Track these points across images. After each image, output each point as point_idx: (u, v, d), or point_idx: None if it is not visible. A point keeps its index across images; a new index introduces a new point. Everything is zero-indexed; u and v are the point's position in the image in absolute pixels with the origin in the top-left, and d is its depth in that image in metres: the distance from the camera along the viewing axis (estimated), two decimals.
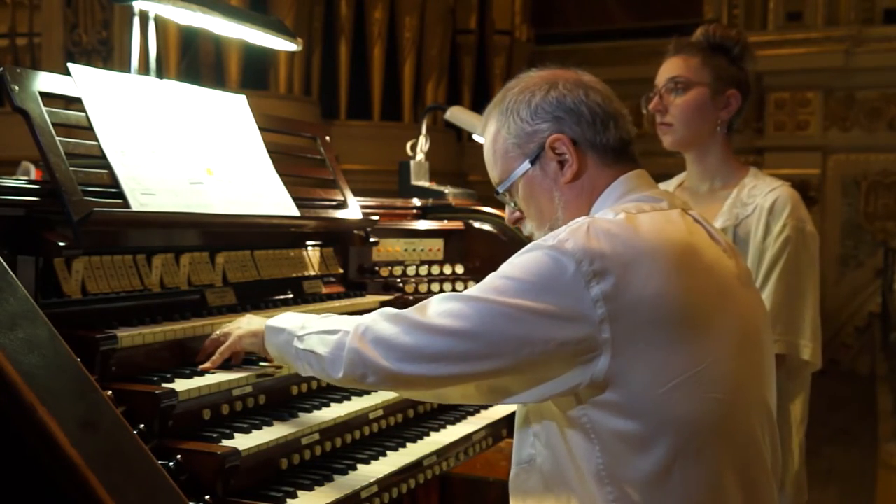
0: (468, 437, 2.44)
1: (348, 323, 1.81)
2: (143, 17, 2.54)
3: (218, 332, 2.13)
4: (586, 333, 1.58)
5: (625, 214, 1.68)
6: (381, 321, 1.74)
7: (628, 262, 1.59)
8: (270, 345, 2.00)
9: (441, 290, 3.14)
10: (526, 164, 1.82)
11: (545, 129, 1.80)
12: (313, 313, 2.47)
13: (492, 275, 1.69)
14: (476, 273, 3.29)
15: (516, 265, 1.67)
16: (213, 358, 2.07)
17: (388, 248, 3.14)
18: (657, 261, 1.60)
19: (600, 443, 1.62)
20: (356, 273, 2.97)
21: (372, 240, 2.89)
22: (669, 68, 2.67)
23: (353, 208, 2.85)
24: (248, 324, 2.10)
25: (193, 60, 8.52)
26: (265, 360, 2.15)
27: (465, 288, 3.18)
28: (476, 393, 1.74)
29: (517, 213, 1.91)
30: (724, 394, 1.64)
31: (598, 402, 1.61)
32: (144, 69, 2.55)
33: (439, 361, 1.65)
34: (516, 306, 1.61)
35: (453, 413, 2.57)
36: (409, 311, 1.73)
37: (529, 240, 1.79)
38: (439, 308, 1.69)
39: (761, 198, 2.60)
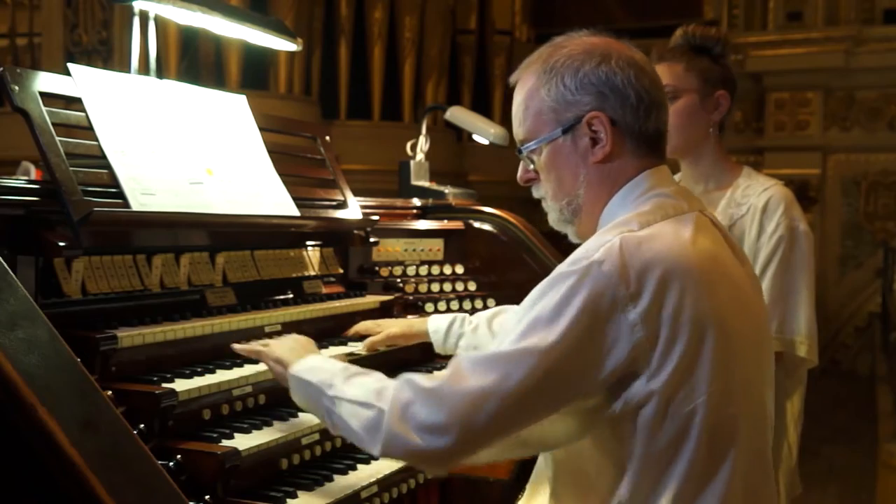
0: None
1: (380, 392, 1.67)
2: (143, 17, 2.54)
3: (263, 344, 2.08)
4: (626, 360, 1.55)
5: (650, 228, 1.63)
6: (420, 399, 1.60)
7: (661, 280, 1.56)
8: (294, 394, 1.87)
9: (441, 290, 3.14)
10: (557, 132, 1.74)
11: (587, 102, 1.71)
12: (315, 312, 2.48)
13: (527, 317, 1.60)
14: (476, 273, 3.29)
15: (551, 302, 1.58)
16: (247, 347, 2.08)
17: (388, 248, 3.14)
18: (688, 275, 1.58)
19: (630, 466, 1.59)
20: (356, 273, 2.97)
21: (372, 240, 2.89)
22: None
23: (353, 208, 2.85)
24: (288, 346, 2.01)
25: (193, 60, 8.51)
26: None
27: (465, 288, 3.21)
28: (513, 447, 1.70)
29: (531, 174, 1.83)
30: (740, 406, 1.63)
31: (628, 424, 1.59)
32: (144, 69, 2.55)
33: (487, 429, 1.56)
34: (557, 351, 1.54)
35: None
36: (446, 382, 1.60)
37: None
38: (475, 372, 1.58)
39: (755, 198, 2.61)
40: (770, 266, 2.54)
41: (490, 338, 2.46)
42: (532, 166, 1.82)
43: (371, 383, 1.71)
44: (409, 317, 2.90)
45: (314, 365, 1.86)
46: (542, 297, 1.60)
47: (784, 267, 2.54)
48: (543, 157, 1.78)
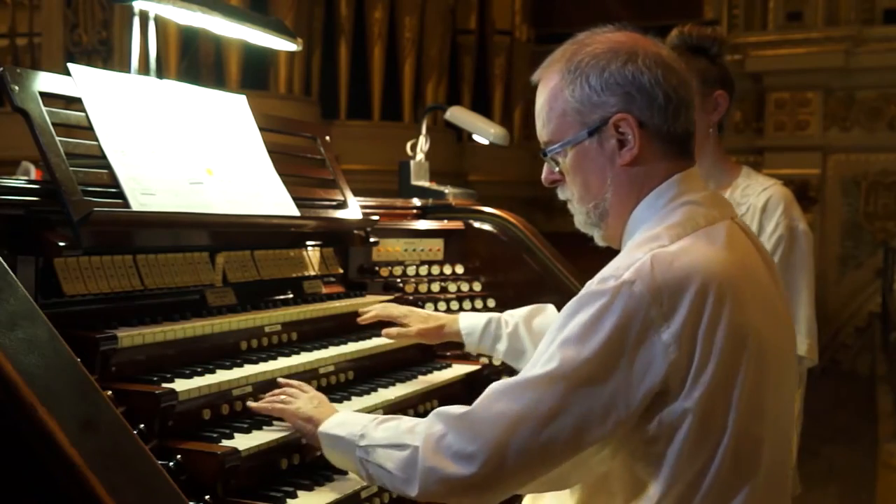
0: None
1: (411, 429, 1.66)
2: (143, 17, 2.54)
3: (284, 394, 2.01)
4: (661, 381, 1.51)
5: (681, 242, 1.59)
6: (452, 428, 1.59)
7: (695, 297, 1.51)
8: (328, 451, 1.86)
9: (441, 290, 3.14)
10: (583, 135, 1.68)
11: (613, 104, 1.65)
12: (315, 312, 2.47)
13: (557, 339, 1.56)
14: (476, 273, 3.29)
15: (580, 324, 1.54)
16: (264, 404, 2.00)
17: (388, 248, 3.14)
18: (723, 290, 1.53)
19: (653, 488, 1.56)
20: (356, 273, 2.97)
21: (372, 240, 2.89)
22: None
23: (353, 208, 2.85)
24: (309, 402, 1.97)
25: (193, 60, 8.51)
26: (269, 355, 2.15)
27: (465, 288, 3.20)
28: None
29: (556, 176, 1.78)
30: (766, 427, 1.59)
31: (661, 446, 1.55)
32: (144, 69, 2.55)
33: (522, 455, 1.54)
34: (588, 375, 1.51)
35: None
36: (477, 408, 1.59)
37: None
38: (507, 398, 1.56)
39: (754, 197, 2.62)
40: None
41: (530, 340, 2.42)
42: (557, 168, 1.76)
43: (402, 424, 1.70)
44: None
45: (343, 420, 1.85)
46: (572, 318, 1.56)
47: (784, 266, 2.55)
48: (569, 159, 1.73)
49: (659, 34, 1.73)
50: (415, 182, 3.72)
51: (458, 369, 2.74)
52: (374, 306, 2.63)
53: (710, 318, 1.52)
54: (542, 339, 1.64)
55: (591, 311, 1.54)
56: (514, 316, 2.50)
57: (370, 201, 3.08)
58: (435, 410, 1.66)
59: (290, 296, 2.57)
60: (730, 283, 1.55)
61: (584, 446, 1.57)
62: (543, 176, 1.81)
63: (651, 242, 1.60)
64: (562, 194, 1.81)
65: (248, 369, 2.09)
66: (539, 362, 1.57)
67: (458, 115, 4.04)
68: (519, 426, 1.53)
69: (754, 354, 1.56)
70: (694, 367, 1.51)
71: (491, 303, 3.17)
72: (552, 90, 1.72)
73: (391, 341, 2.60)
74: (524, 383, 1.56)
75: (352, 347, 2.46)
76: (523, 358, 2.43)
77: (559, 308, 1.66)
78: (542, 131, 1.76)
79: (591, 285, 1.58)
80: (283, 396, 2.02)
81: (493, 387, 1.61)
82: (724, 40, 2.68)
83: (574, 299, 1.59)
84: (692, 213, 1.65)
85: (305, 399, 1.99)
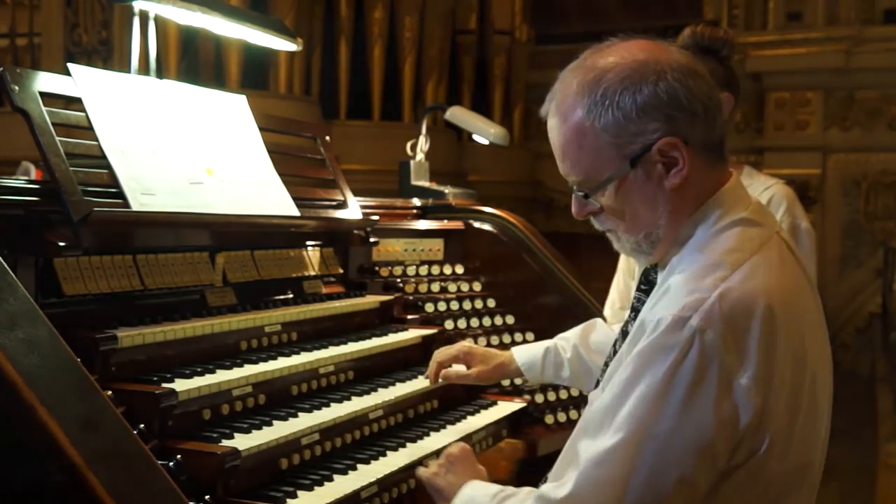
0: (468, 437, 2.44)
1: None
2: (143, 17, 2.55)
3: (428, 474, 1.97)
4: (748, 422, 1.46)
5: (742, 271, 1.52)
6: None
7: (765, 333, 1.47)
8: None
9: (441, 290, 3.14)
10: (625, 168, 1.56)
11: (654, 129, 1.54)
12: (315, 312, 2.47)
13: (632, 396, 1.48)
14: (476, 273, 3.29)
15: (656, 381, 1.46)
16: (421, 471, 1.99)
17: (388, 248, 3.14)
18: (786, 318, 1.50)
19: None
20: (356, 273, 2.98)
21: (372, 240, 2.89)
22: None
23: (353, 208, 2.85)
24: (444, 470, 1.92)
25: (193, 60, 8.50)
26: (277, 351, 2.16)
27: (465, 288, 3.20)
28: None
29: (591, 209, 1.66)
30: (810, 454, 1.59)
31: (728, 480, 1.51)
32: (144, 69, 2.55)
33: None
34: (679, 434, 1.45)
35: (453, 413, 2.57)
36: (576, 490, 1.50)
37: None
38: (600, 468, 1.48)
39: (756, 196, 2.62)
40: None
41: (591, 359, 2.36)
42: (597, 205, 1.64)
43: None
44: (410, 316, 2.91)
45: (467, 501, 1.77)
46: (644, 372, 1.48)
47: None
48: (611, 194, 1.60)
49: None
50: (415, 182, 3.72)
51: None
52: (432, 359, 2.50)
53: (780, 353, 1.48)
54: (609, 380, 1.56)
55: (665, 367, 1.46)
56: (568, 339, 2.43)
57: (370, 201, 3.08)
58: (535, 496, 1.59)
59: (290, 296, 2.58)
60: (789, 311, 1.52)
61: (694, 492, 1.50)
62: (575, 211, 1.68)
63: (714, 272, 1.52)
64: (600, 225, 1.69)
65: (248, 369, 2.09)
66: (616, 422, 1.50)
67: (458, 115, 4.04)
68: (621, 495, 1.47)
69: (810, 378, 1.54)
70: (770, 401, 1.48)
71: (491, 303, 3.17)
72: (576, 126, 1.59)
73: (391, 341, 2.60)
74: (611, 450, 1.48)
75: (352, 347, 2.46)
76: (589, 378, 2.35)
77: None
78: (572, 171, 1.63)
79: (658, 332, 1.49)
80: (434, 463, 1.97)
81: (583, 458, 1.52)
82: (734, 42, 2.68)
83: (643, 348, 1.50)
84: (747, 236, 1.58)
85: (439, 464, 1.94)
